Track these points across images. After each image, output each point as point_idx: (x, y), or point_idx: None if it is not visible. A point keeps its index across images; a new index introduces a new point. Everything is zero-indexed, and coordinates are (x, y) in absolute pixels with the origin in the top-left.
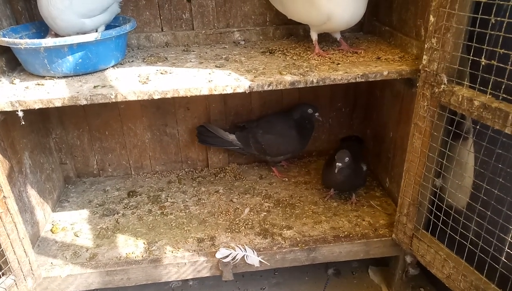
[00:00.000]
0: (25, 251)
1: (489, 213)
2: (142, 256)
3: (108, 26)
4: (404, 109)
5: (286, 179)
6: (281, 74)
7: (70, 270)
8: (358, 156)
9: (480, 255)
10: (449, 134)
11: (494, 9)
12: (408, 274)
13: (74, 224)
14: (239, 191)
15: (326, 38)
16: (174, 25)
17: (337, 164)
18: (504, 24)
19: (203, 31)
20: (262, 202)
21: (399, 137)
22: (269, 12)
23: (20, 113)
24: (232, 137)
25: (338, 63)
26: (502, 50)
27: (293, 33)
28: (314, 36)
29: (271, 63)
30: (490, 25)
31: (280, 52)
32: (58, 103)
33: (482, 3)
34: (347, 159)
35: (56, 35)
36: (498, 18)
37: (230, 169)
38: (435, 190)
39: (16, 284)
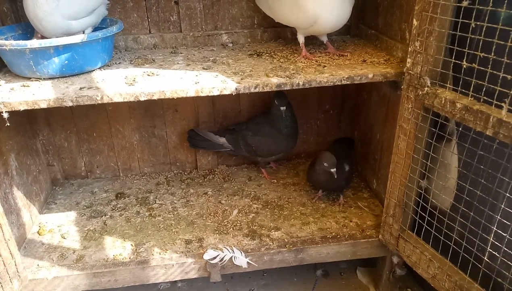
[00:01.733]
0: (11, 253)
1: (472, 213)
2: (130, 258)
3: (96, 28)
4: (390, 112)
5: (275, 181)
6: (268, 76)
7: (57, 272)
8: (342, 156)
9: (464, 255)
10: (433, 136)
11: (474, 14)
12: (395, 274)
13: (61, 226)
14: (228, 192)
15: (313, 41)
16: (162, 27)
17: (331, 170)
18: (484, 28)
19: (191, 34)
20: (251, 203)
21: (385, 139)
22: (257, 15)
23: (5, 115)
24: (222, 140)
25: (325, 66)
26: (483, 54)
27: (281, 36)
28: (301, 39)
29: (258, 66)
30: (470, 29)
31: (267, 54)
32: (43, 105)
33: (462, 8)
34: (335, 160)
35: (43, 37)
36: (478, 23)
37: (219, 170)
38: (420, 191)
39: (1, 286)
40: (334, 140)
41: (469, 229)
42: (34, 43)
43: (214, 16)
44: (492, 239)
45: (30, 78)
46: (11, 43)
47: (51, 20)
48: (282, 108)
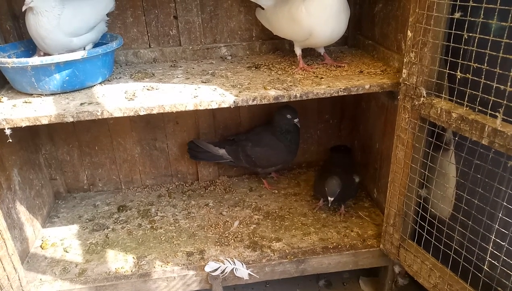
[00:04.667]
0: (14, 268)
1: (470, 222)
2: (132, 271)
3: (96, 44)
4: (389, 121)
5: (276, 191)
6: (266, 89)
7: (60, 286)
8: (349, 168)
9: (464, 264)
10: (430, 145)
11: (466, 25)
12: (398, 284)
13: (64, 239)
14: (229, 203)
15: (311, 53)
16: (161, 42)
17: (329, 198)
18: (476, 39)
19: (190, 47)
20: (252, 214)
21: (385, 149)
22: (255, 28)
23: (8, 131)
24: (222, 151)
25: (322, 78)
26: (476, 64)
27: (279, 48)
28: (298, 51)
29: (256, 78)
30: (463, 40)
31: (265, 67)
32: (45, 121)
33: (455, 19)
34: (338, 190)
35: (45, 54)
36: (471, 34)
37: (220, 181)
38: (420, 200)
39: None
40: (331, 149)
41: (468, 238)
42: (35, 60)
43: (212, 30)
44: (491, 248)
45: (32, 94)
46: (13, 61)
47: (53, 37)
48: (296, 120)
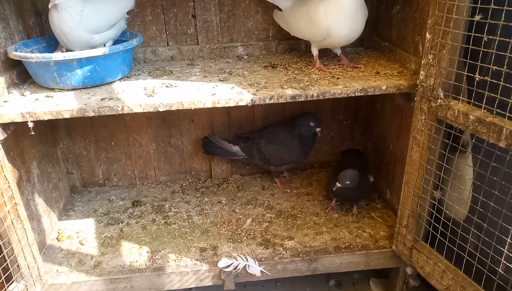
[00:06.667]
0: (34, 257)
1: (486, 224)
2: (146, 265)
3: (116, 41)
4: (404, 123)
5: (288, 190)
6: (283, 88)
7: (75, 277)
8: (363, 168)
9: (478, 267)
10: (446, 147)
11: (486, 28)
12: (409, 285)
13: (79, 232)
14: (242, 201)
15: (327, 53)
16: (179, 40)
17: (337, 184)
18: (496, 42)
19: (208, 46)
20: (264, 212)
21: (399, 150)
22: (272, 28)
23: (30, 124)
24: (236, 148)
25: (338, 78)
26: (495, 67)
27: (295, 48)
28: (315, 51)
29: (273, 77)
30: (483, 42)
31: (282, 66)
32: (67, 115)
33: (475, 22)
34: (347, 181)
35: (67, 50)
36: (490, 36)
37: (233, 179)
38: (434, 202)
39: (27, 289)
40: (343, 152)
41: (483, 241)
42: (58, 56)
43: (230, 29)
44: (507, 250)
45: (54, 89)
46: (37, 56)
47: (75, 34)
48: (318, 129)
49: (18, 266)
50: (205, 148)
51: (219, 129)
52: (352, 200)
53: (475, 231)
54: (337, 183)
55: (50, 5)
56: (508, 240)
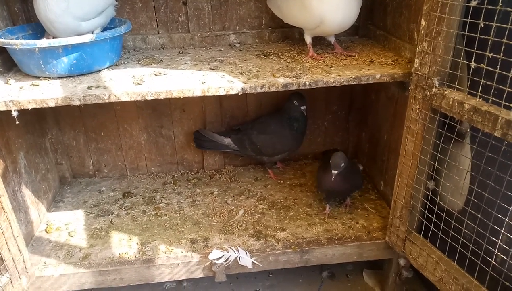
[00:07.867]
0: (19, 250)
1: (480, 215)
2: (135, 257)
3: (105, 29)
4: (398, 112)
5: (281, 181)
6: (274, 76)
7: (63, 269)
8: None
9: (471, 258)
10: (441, 137)
11: (482, 14)
12: (402, 277)
13: (68, 224)
14: (234, 192)
15: (321, 42)
16: (170, 28)
17: (333, 171)
18: (493, 28)
19: (199, 34)
20: (257, 203)
21: (393, 140)
22: (265, 16)
23: (15, 113)
24: (227, 141)
25: (332, 66)
26: (491, 54)
27: (288, 36)
28: (308, 39)
29: (265, 66)
30: (479, 29)
31: (274, 55)
32: (51, 104)
33: (471, 8)
34: (343, 164)
35: (53, 37)
36: (487, 22)
37: (225, 170)
38: (428, 192)
39: (11, 282)
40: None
41: (476, 232)
42: (43, 42)
43: (222, 17)
44: (500, 242)
45: (39, 77)
46: (21, 43)
47: (62, 21)
48: (302, 107)
49: (1, 258)
50: (197, 142)
51: (211, 120)
52: (345, 193)
53: (468, 222)
54: (332, 171)
55: None
56: (502, 230)
